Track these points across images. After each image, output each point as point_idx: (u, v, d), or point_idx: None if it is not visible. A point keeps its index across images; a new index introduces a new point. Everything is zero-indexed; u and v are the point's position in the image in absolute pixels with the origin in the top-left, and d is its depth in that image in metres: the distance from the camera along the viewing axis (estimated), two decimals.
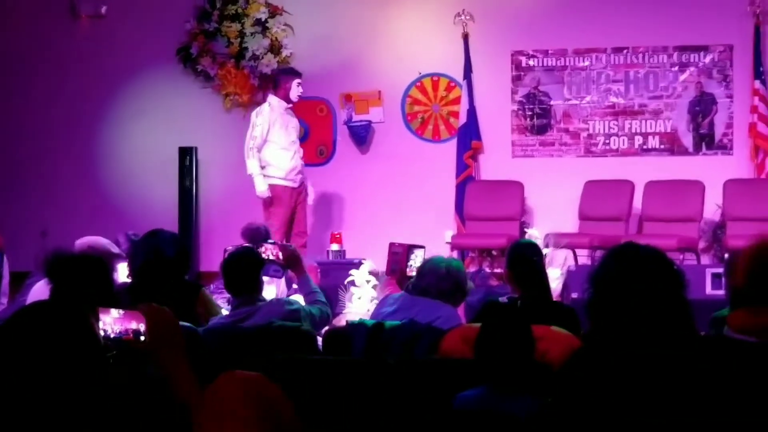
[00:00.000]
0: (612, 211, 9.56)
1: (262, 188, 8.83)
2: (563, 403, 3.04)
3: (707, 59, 10.02)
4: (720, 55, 9.99)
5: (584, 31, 10.14)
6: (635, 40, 10.10)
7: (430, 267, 4.87)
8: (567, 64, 10.26)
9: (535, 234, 8.28)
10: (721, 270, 6.81)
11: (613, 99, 10.17)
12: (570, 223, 9.73)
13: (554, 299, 6.19)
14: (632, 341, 3.00)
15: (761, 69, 9.75)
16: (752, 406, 2.86)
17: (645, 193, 9.67)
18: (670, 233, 9.05)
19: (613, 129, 10.18)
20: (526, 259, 4.83)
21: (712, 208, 9.65)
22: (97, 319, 2.73)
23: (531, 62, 10.32)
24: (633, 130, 10.15)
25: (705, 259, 9.40)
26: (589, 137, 10.23)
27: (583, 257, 9.18)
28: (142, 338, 2.73)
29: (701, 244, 9.50)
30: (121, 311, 2.77)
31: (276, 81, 9.15)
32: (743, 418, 2.81)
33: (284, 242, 8.49)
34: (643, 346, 2.91)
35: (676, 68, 10.05)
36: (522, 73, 10.35)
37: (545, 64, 10.30)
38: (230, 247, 5.30)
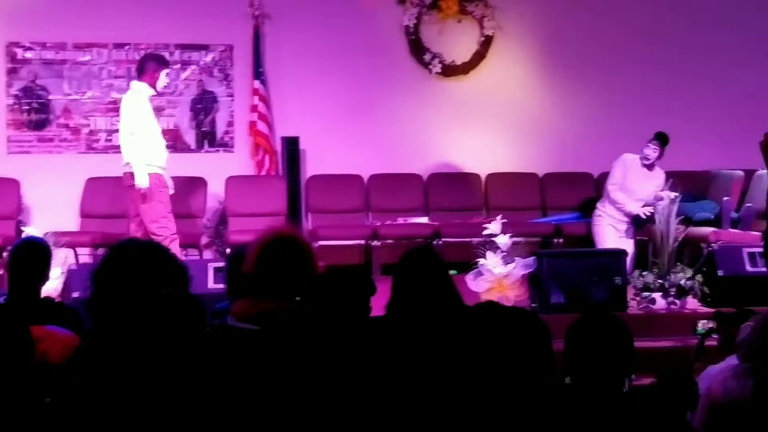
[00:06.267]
0: (115, 208, 9.40)
1: (143, 178, 7.91)
2: (64, 401, 2.91)
3: (208, 58, 10.19)
4: (221, 54, 10.19)
5: (86, 26, 9.93)
6: (138, 36, 10.03)
7: None
8: (67, 58, 9.97)
9: (33, 232, 7.93)
10: (222, 264, 6.92)
11: (115, 95, 9.99)
12: (71, 221, 9.46)
13: (55, 299, 5.96)
14: (133, 335, 2.95)
15: (260, 69, 10.08)
16: (246, 390, 2.90)
17: None
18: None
19: (116, 125, 10.01)
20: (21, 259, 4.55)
21: (214, 204, 9.82)
22: None
23: (28, 55, 9.92)
24: None
25: (208, 254, 9.55)
26: (91, 133, 10.02)
27: (85, 256, 8.95)
28: None
29: (204, 240, 9.63)
30: None
31: (142, 67, 8.16)
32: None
33: (174, 232, 7.76)
34: (139, 341, 2.87)
35: (178, 66, 10.12)
36: (18, 66, 9.91)
37: (43, 57, 9.94)
38: None
